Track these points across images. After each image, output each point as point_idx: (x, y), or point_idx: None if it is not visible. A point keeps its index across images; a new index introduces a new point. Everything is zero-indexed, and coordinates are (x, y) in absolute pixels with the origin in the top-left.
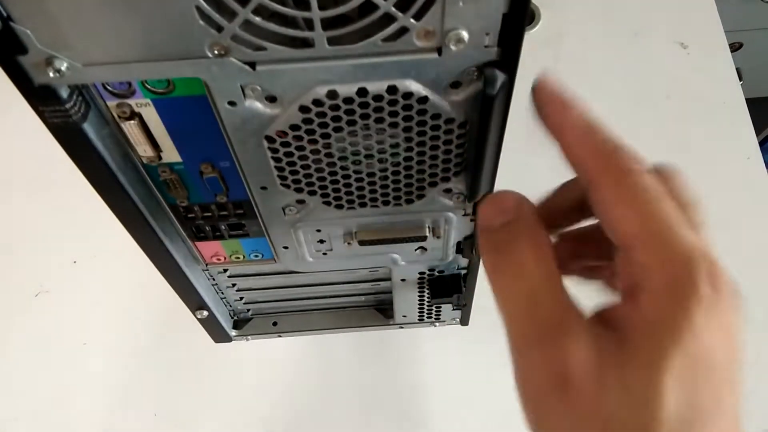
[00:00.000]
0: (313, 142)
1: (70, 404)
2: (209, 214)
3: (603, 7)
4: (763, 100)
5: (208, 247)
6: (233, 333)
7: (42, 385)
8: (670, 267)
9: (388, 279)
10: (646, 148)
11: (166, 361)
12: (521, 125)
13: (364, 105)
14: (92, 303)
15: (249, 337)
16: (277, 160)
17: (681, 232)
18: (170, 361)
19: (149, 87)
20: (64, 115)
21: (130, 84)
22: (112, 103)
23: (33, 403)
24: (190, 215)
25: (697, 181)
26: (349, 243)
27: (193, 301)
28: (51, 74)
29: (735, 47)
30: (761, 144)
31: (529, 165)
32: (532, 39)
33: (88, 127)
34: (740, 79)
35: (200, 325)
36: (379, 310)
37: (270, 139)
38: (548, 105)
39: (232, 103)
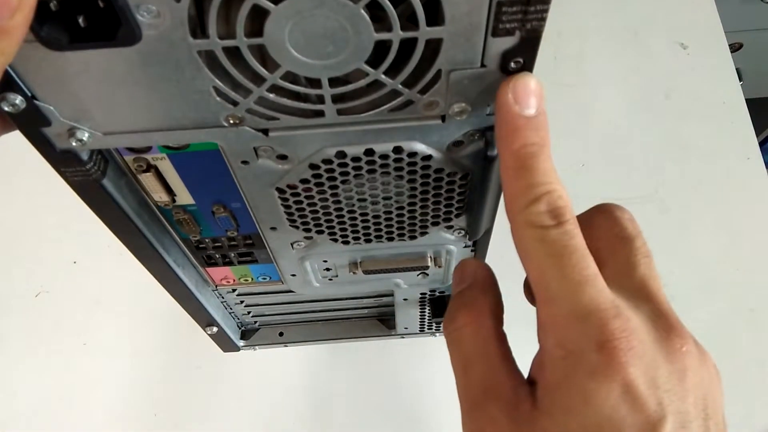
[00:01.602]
0: (322, 192)
1: (70, 404)
2: (219, 245)
3: (603, 7)
4: (763, 100)
5: (218, 272)
6: (241, 343)
7: (42, 385)
8: (562, 330)
9: (391, 295)
10: (646, 148)
11: (166, 361)
12: None
13: (371, 162)
14: (92, 303)
15: (256, 347)
16: (287, 207)
17: (576, 293)
18: (170, 361)
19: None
20: (85, 174)
21: None
22: (129, 158)
23: (33, 403)
24: (201, 246)
25: (698, 181)
26: (354, 272)
27: (203, 319)
28: (73, 143)
29: (735, 47)
30: (761, 144)
31: None
32: None
33: (107, 182)
34: (740, 79)
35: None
36: (381, 320)
37: (281, 191)
38: (498, 122)
39: (245, 162)
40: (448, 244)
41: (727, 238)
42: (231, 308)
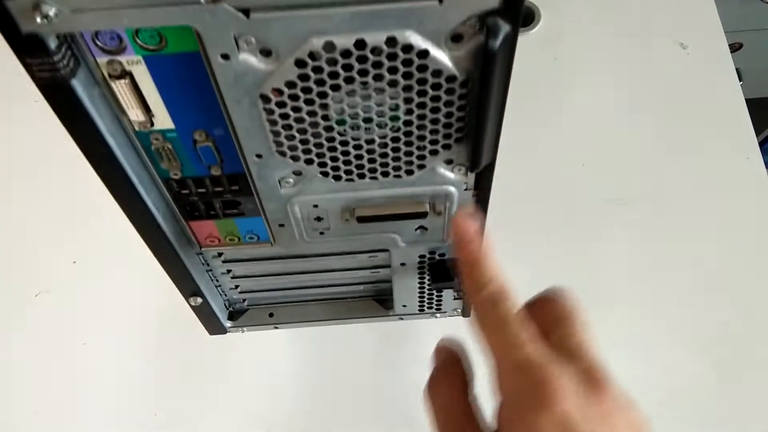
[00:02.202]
0: (310, 102)
1: (70, 404)
2: (203, 190)
3: (603, 7)
4: (763, 100)
5: (203, 228)
6: (228, 324)
7: (42, 385)
8: (509, 379)
9: (388, 266)
10: (646, 148)
11: (166, 360)
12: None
13: (362, 59)
14: (92, 303)
15: (245, 328)
16: (273, 122)
17: (516, 352)
18: (170, 360)
19: (140, 43)
20: (52, 68)
21: (121, 40)
22: (102, 60)
23: (33, 403)
24: (183, 191)
25: (698, 181)
26: (347, 219)
27: (187, 286)
28: (38, 20)
29: (735, 47)
30: (761, 144)
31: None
32: (532, 39)
33: (77, 84)
34: (740, 79)
35: (199, 322)
36: (379, 301)
37: (265, 98)
38: (455, 237)
39: (225, 57)
40: (448, 184)
41: (727, 238)
42: (217, 280)
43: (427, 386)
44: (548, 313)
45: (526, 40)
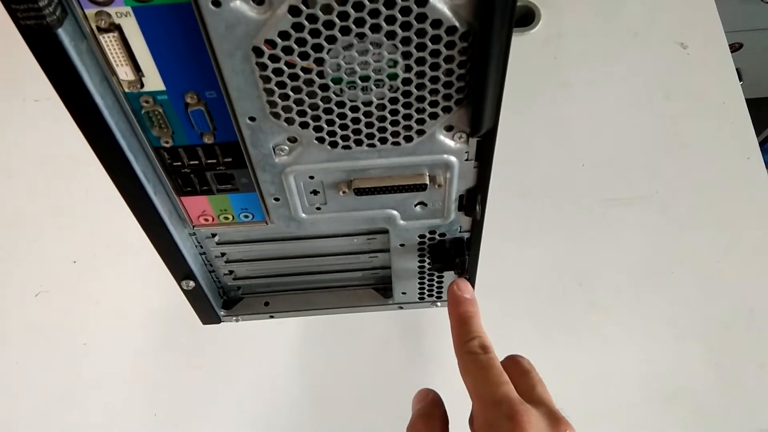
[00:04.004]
0: (305, 56)
1: (70, 404)
2: (196, 161)
3: (603, 7)
4: (763, 100)
5: (195, 204)
6: (222, 313)
7: (42, 385)
8: (484, 412)
9: (386, 250)
10: (646, 148)
11: (166, 361)
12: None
13: (358, 6)
14: (92, 303)
15: (239, 317)
16: (266, 79)
17: (496, 389)
18: (170, 361)
19: None
20: (38, 15)
21: None
22: (90, 11)
23: (33, 403)
24: (175, 163)
25: (698, 181)
26: (344, 191)
27: (180, 268)
28: None
29: (735, 47)
30: (761, 144)
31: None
32: (532, 39)
33: (63, 35)
34: (740, 79)
35: (197, 318)
36: (378, 289)
37: (258, 51)
38: (449, 300)
39: (216, 3)
40: (448, 153)
41: (727, 238)
42: (211, 264)
43: (413, 419)
44: (516, 366)
45: (526, 40)
